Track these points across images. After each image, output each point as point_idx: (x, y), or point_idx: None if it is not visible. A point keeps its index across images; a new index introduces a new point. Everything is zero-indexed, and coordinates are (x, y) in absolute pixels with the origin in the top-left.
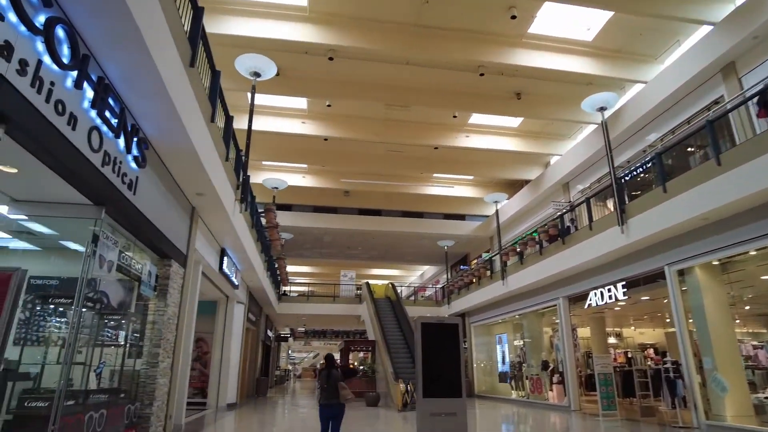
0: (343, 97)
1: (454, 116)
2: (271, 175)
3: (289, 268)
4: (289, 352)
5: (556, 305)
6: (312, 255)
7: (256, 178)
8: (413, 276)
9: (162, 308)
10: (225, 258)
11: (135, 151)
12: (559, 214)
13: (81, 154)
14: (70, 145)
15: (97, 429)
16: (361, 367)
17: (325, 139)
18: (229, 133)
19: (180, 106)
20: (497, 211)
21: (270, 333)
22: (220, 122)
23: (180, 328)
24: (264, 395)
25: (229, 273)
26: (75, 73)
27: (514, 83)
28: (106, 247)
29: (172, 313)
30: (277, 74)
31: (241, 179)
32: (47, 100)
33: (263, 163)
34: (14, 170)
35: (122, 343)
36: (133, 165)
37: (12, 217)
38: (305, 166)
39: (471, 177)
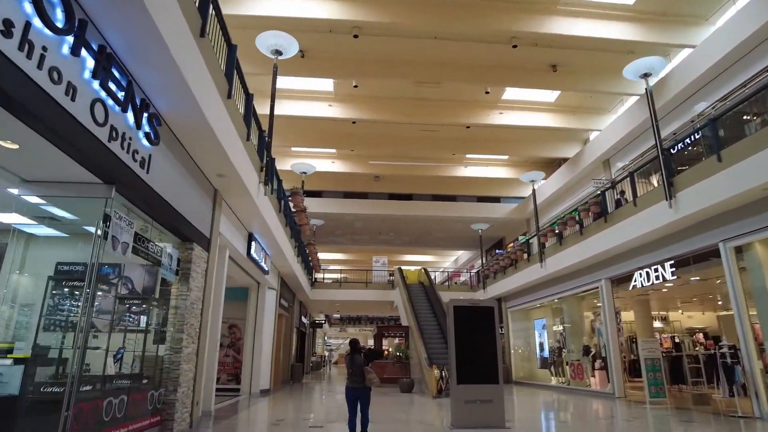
0: (370, 76)
1: (487, 92)
2: (300, 162)
3: (322, 255)
4: (326, 338)
5: (597, 287)
6: (344, 242)
7: (285, 164)
8: (447, 262)
9: (184, 293)
10: (253, 243)
11: (146, 127)
12: (600, 190)
13: (84, 128)
14: (70, 118)
15: (117, 415)
16: (398, 354)
17: (353, 122)
18: (249, 112)
19: (191, 80)
20: (534, 190)
21: (304, 319)
22: (240, 102)
23: (205, 313)
24: (299, 381)
25: (257, 258)
26: (71, 39)
27: (550, 54)
28: (119, 228)
29: (195, 298)
30: (302, 55)
31: (264, 161)
32: (39, 66)
33: (292, 149)
34: (15, 146)
35: (144, 328)
36: (145, 142)
37: (24, 198)
38: (334, 151)
39: (505, 157)
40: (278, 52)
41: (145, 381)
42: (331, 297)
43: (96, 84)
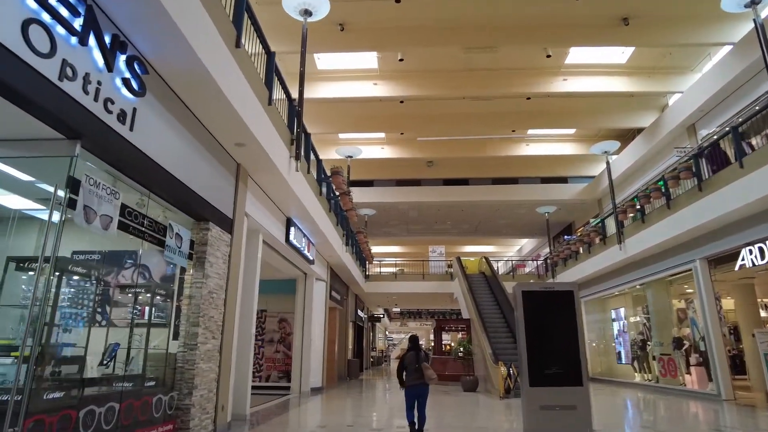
0: (416, 44)
1: (548, 56)
2: (347, 147)
3: (377, 248)
4: (386, 333)
5: (690, 269)
6: (398, 233)
7: (331, 153)
8: (510, 252)
9: (200, 280)
10: (292, 228)
11: (124, 72)
12: (691, 154)
13: (12, 55)
14: None
15: (104, 426)
16: (460, 349)
17: (401, 102)
18: (271, 73)
19: (176, 12)
20: (608, 162)
21: (361, 313)
22: (260, 61)
23: (230, 303)
24: (356, 378)
25: (299, 246)
26: None
27: (620, 5)
28: (95, 196)
29: (215, 286)
30: (341, 29)
31: (295, 133)
32: None
33: (339, 135)
34: None
35: (146, 321)
36: (126, 92)
37: None
38: (383, 135)
39: (572, 131)
40: (307, 13)
41: (150, 383)
42: (387, 290)
43: None
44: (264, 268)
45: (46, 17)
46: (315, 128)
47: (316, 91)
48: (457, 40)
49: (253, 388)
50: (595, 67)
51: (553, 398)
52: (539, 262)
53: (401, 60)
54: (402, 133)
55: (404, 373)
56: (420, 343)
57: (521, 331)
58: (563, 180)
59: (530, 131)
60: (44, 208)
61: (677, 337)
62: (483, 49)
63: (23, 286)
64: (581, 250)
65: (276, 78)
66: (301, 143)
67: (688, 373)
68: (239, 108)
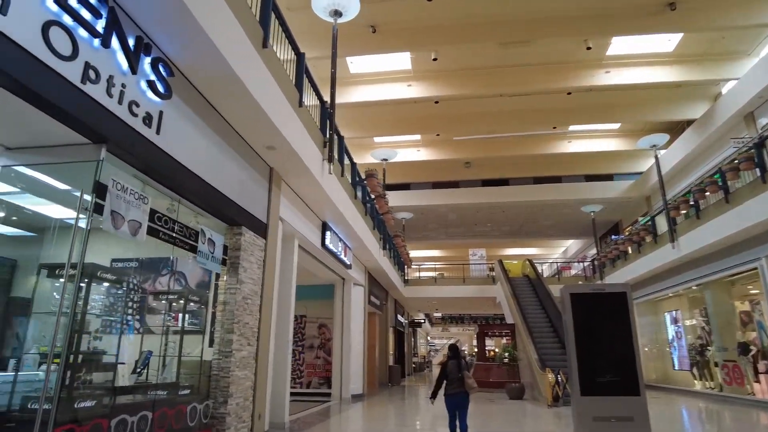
0: (449, 42)
1: (588, 48)
2: (382, 150)
3: (416, 253)
4: (428, 338)
5: (756, 268)
6: (437, 236)
7: (367, 158)
8: (555, 253)
9: (234, 285)
10: (327, 233)
11: (150, 75)
12: (752, 143)
13: (34, 58)
14: (3, 39)
15: None
16: (505, 355)
17: (436, 102)
18: (301, 74)
19: (199, 13)
20: (657, 157)
21: (401, 318)
22: (286, 59)
23: (265, 309)
24: (397, 384)
25: (335, 250)
26: None
27: None
28: (123, 201)
29: (249, 292)
30: (373, 30)
31: (327, 134)
32: None
33: (375, 139)
34: None
35: (181, 328)
36: (151, 95)
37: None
38: (418, 137)
39: (616, 125)
40: (337, 13)
41: (185, 392)
42: (427, 294)
43: (49, 0)
44: (301, 273)
45: (67, 20)
46: (350, 133)
47: (349, 95)
48: (491, 35)
49: (294, 394)
50: (640, 58)
51: (608, 409)
52: (586, 264)
53: (435, 59)
54: (438, 134)
55: (444, 382)
56: (463, 349)
57: (570, 336)
58: (609, 177)
59: (572, 127)
60: (83, 216)
61: (743, 342)
62: (519, 43)
63: (55, 294)
64: (630, 250)
65: (306, 79)
66: (333, 145)
67: (757, 381)
68: (269, 110)
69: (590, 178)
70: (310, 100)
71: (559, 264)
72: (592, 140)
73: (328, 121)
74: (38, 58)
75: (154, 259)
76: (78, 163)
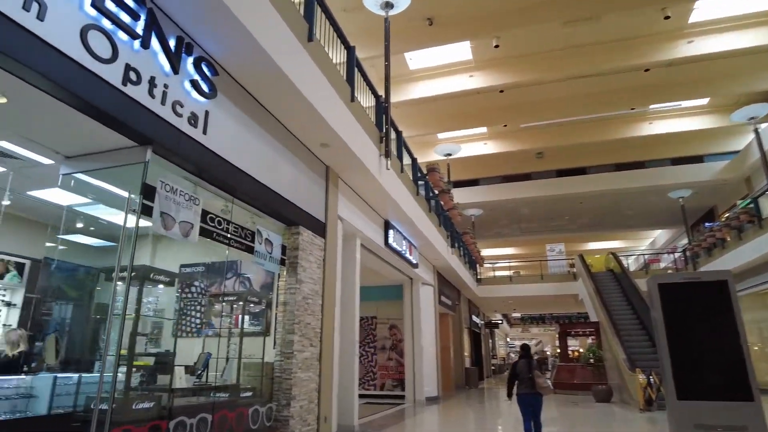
0: (510, 26)
1: (667, 17)
2: (445, 145)
3: (489, 251)
4: (507, 339)
5: None
6: (510, 232)
7: (431, 155)
8: (640, 245)
9: (293, 285)
10: (390, 231)
11: (193, 74)
12: None
13: (73, 62)
14: (39, 43)
15: None
16: (589, 355)
17: (501, 91)
18: (352, 68)
19: (239, 10)
20: (757, 131)
21: (477, 319)
22: (333, 51)
23: (327, 310)
24: (475, 387)
25: (400, 249)
26: None
27: None
28: (172, 203)
29: (310, 292)
30: (430, 23)
31: (384, 129)
32: None
33: (438, 136)
34: (3, 99)
35: (245, 329)
36: (196, 95)
37: (66, 172)
38: (485, 130)
39: (704, 101)
40: (389, 5)
41: (247, 394)
42: (502, 293)
43: (87, 5)
44: (367, 273)
45: (105, 23)
46: (412, 131)
47: (410, 92)
48: (554, 14)
49: (367, 396)
50: (728, 22)
51: (712, 415)
52: (677, 255)
53: (496, 46)
54: (505, 125)
55: (516, 383)
56: (545, 350)
57: (661, 332)
58: (698, 159)
59: (653, 107)
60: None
61: None
62: (586, 20)
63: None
64: (729, 238)
65: (358, 73)
66: (389, 140)
67: None
68: (318, 105)
69: (677, 161)
70: (364, 97)
71: (646, 256)
72: (676, 119)
73: (383, 116)
74: (77, 61)
75: (219, 262)
76: (126, 167)
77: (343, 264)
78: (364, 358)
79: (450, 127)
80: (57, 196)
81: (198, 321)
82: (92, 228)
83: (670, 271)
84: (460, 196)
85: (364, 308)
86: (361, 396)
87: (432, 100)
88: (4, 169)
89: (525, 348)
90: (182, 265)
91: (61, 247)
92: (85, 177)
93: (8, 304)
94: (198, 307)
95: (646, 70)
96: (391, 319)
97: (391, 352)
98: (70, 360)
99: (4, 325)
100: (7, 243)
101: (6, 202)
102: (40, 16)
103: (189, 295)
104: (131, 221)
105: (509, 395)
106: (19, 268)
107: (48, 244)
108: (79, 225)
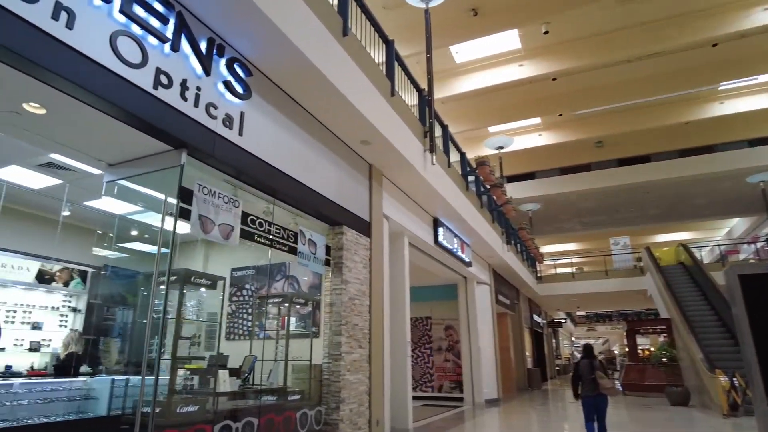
0: (560, 8)
1: None
2: (495, 138)
3: (549, 248)
4: (573, 339)
5: None
6: (571, 227)
7: (483, 150)
8: (715, 236)
9: (339, 286)
10: (440, 229)
11: (226, 76)
12: None
13: (99, 66)
14: (68, 51)
15: None
16: (663, 354)
17: (554, 79)
18: (391, 62)
19: (268, 8)
20: None
21: (538, 318)
22: (372, 47)
23: (375, 310)
24: (538, 388)
25: (450, 247)
26: None
27: None
28: (211, 205)
29: (356, 292)
30: (474, 14)
31: (427, 124)
32: None
33: (489, 129)
34: (42, 110)
35: (293, 331)
36: (230, 96)
37: (109, 180)
38: (538, 120)
39: None
40: None
41: (295, 397)
42: (564, 291)
43: (116, 12)
44: (418, 273)
45: (135, 28)
46: (461, 126)
47: (458, 86)
48: None
49: (425, 398)
50: None
51: None
52: (759, 245)
53: (546, 33)
54: (560, 115)
55: (580, 384)
56: (612, 349)
57: (744, 330)
58: None
59: (722, 85)
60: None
61: None
62: None
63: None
64: None
65: (399, 67)
66: (434, 135)
67: None
68: (357, 101)
69: (755, 142)
70: (407, 92)
71: (722, 247)
72: (750, 97)
73: (427, 110)
74: (107, 67)
75: (269, 265)
76: (163, 171)
77: (391, 263)
78: (420, 360)
79: (501, 119)
80: (111, 205)
81: (249, 323)
82: (146, 235)
83: (752, 262)
84: (515, 190)
85: (418, 309)
86: (418, 398)
87: (481, 93)
88: (61, 181)
89: (587, 348)
90: (233, 269)
91: (119, 255)
92: (127, 183)
93: (74, 310)
94: (248, 310)
95: (714, 45)
96: (446, 319)
97: (447, 353)
98: (130, 362)
99: (71, 329)
100: (71, 252)
101: (66, 213)
102: (69, 25)
103: (240, 298)
104: (168, 224)
105: (575, 396)
106: (83, 275)
107: (103, 253)
108: (134, 233)
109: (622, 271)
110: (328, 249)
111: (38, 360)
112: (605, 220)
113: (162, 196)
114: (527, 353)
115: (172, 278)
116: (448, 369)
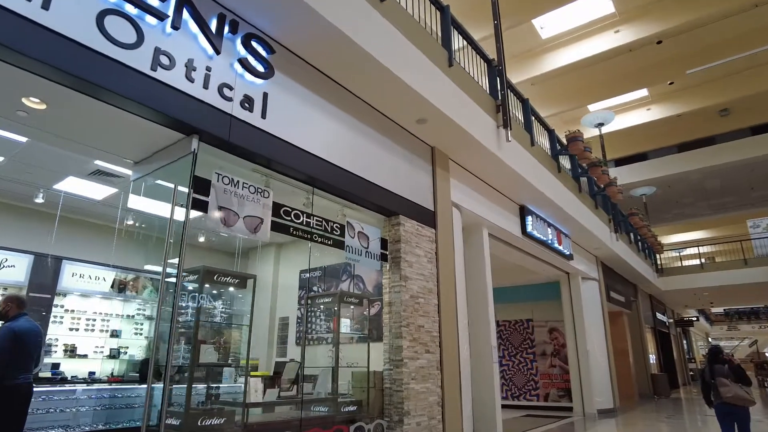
0: None
1: None
2: (594, 114)
3: (672, 238)
4: (709, 340)
5: None
6: (696, 211)
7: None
8: None
9: (398, 282)
10: (528, 217)
11: (241, 53)
12: None
13: (82, 46)
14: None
15: None
16: None
17: (659, 42)
18: (447, 29)
19: None
20: None
21: (662, 317)
22: (426, 12)
23: (445, 310)
24: (665, 396)
25: (543, 238)
26: None
27: None
28: (233, 196)
29: (419, 289)
30: None
31: (499, 97)
32: None
33: (589, 107)
34: (43, 106)
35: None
36: (248, 76)
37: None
38: (645, 92)
39: None
40: None
41: (349, 408)
42: (692, 284)
43: None
44: (509, 270)
45: (129, 8)
46: (554, 108)
47: (546, 64)
48: None
49: (529, 408)
50: None
51: None
52: None
53: None
54: (671, 83)
55: (711, 392)
56: (764, 352)
57: None
58: None
59: None
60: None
61: None
62: None
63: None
64: None
65: (458, 33)
66: (507, 108)
67: None
68: (402, 74)
69: None
70: (474, 65)
71: None
72: None
73: (498, 81)
74: (93, 48)
75: (335, 265)
76: (178, 162)
77: (468, 258)
78: (522, 366)
79: (600, 96)
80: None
81: (319, 327)
82: (213, 239)
83: None
84: (624, 174)
85: (517, 311)
86: (520, 407)
87: (574, 69)
88: (117, 190)
89: (712, 352)
90: (301, 271)
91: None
92: (151, 179)
93: (149, 318)
94: (317, 313)
95: None
96: (550, 321)
97: (553, 358)
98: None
99: (146, 338)
100: (142, 260)
101: (130, 222)
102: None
103: (309, 301)
104: (180, 214)
105: (707, 404)
106: (156, 283)
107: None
108: (201, 239)
109: (765, 259)
110: (384, 242)
111: (117, 367)
112: (736, 201)
113: (184, 189)
114: (651, 356)
115: (193, 277)
116: (555, 375)
